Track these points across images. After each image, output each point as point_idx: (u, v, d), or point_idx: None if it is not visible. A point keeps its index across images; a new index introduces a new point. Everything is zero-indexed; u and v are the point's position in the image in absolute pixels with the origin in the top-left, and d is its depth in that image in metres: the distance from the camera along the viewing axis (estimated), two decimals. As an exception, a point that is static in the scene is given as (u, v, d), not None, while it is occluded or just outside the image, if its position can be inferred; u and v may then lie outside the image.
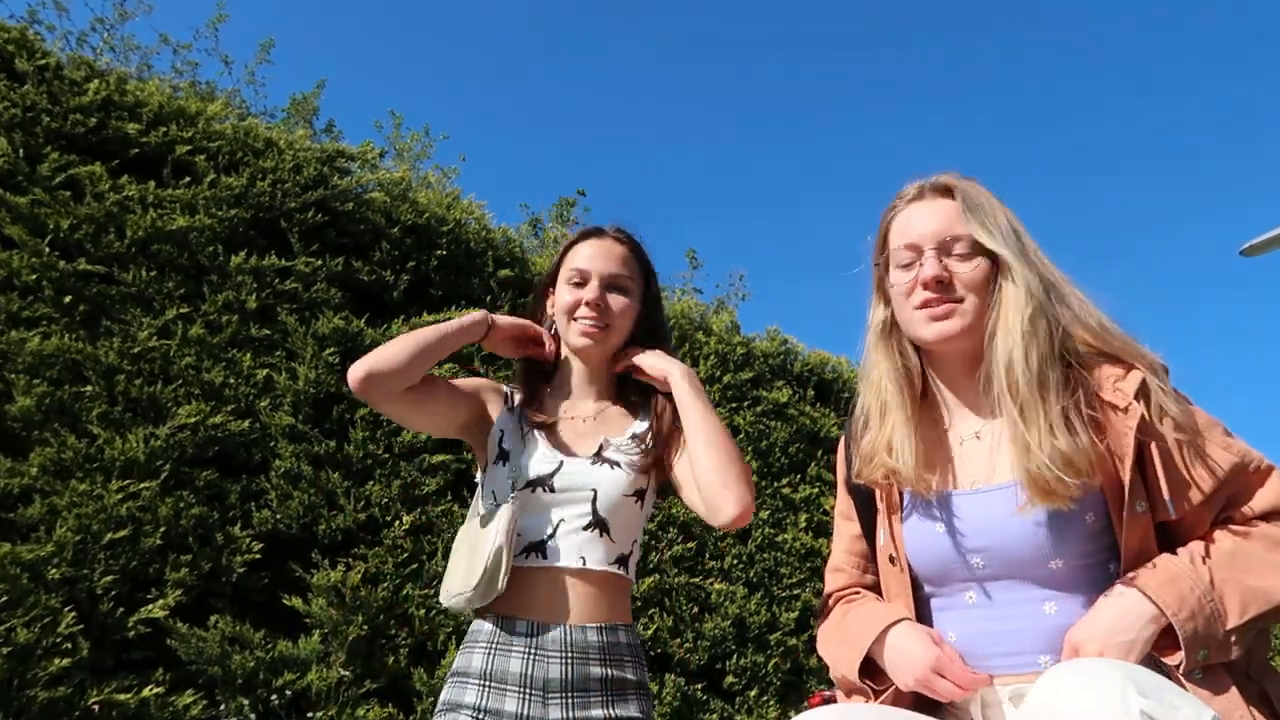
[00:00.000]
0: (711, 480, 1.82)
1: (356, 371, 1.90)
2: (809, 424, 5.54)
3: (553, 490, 1.89)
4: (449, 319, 2.04)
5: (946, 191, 1.63)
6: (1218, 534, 1.46)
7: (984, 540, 1.51)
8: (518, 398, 2.08)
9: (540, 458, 1.94)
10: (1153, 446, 1.44)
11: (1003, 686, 1.48)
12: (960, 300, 1.55)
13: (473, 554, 1.87)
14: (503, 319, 2.06)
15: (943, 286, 1.55)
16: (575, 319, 2.00)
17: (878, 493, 1.68)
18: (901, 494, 1.65)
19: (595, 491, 1.89)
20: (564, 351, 2.10)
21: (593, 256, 2.03)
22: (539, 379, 2.13)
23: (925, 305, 1.57)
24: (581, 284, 2.01)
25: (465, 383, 2.09)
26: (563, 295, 2.03)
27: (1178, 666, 1.33)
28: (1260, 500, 1.46)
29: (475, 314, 2.03)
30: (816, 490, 5.35)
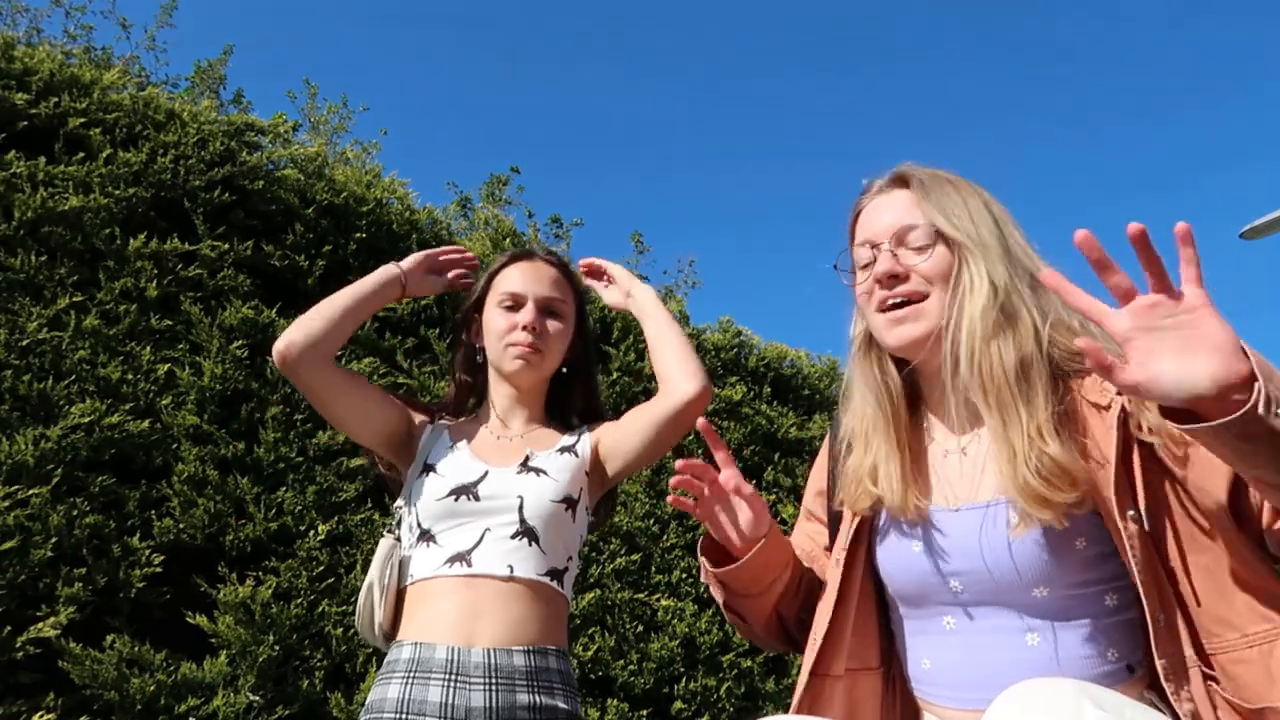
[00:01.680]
0: (671, 365, 2.00)
1: (280, 343, 1.96)
2: (765, 424, 5.54)
3: (477, 499, 1.95)
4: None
5: (902, 181, 1.60)
6: None
7: (963, 562, 1.47)
8: (443, 420, 2.16)
9: (465, 467, 2.00)
10: (1136, 449, 1.37)
11: None
12: (923, 298, 1.51)
13: (365, 593, 2.00)
14: (408, 261, 2.15)
15: (897, 281, 1.52)
16: (510, 344, 2.06)
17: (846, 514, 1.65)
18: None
19: (522, 499, 1.95)
20: (493, 378, 2.17)
21: (525, 279, 2.10)
22: (468, 395, 2.24)
23: (884, 308, 1.54)
24: (515, 308, 2.08)
25: (396, 398, 2.18)
26: (495, 320, 2.10)
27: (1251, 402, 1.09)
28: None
29: (385, 268, 2.11)
30: (774, 497, 5.37)
